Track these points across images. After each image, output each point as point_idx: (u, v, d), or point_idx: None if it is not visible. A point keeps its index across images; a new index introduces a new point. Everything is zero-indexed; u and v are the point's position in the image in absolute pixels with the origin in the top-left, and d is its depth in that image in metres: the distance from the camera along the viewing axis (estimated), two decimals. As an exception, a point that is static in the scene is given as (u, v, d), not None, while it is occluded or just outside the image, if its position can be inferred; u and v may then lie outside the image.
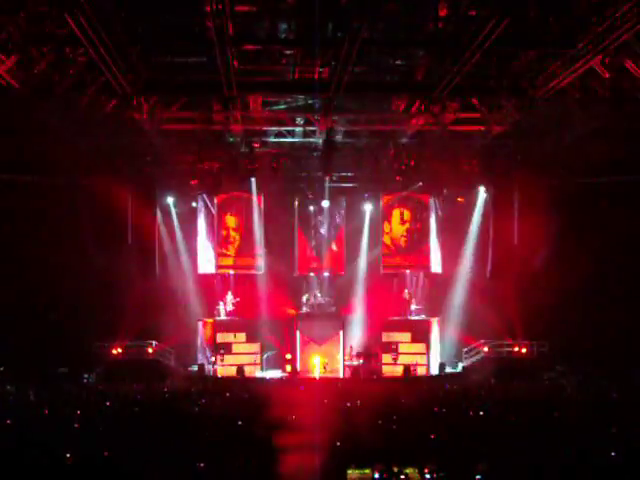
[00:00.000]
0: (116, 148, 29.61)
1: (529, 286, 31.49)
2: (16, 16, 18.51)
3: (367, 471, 14.11)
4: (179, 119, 27.35)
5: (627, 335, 29.73)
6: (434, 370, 33.43)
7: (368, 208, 35.44)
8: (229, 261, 35.09)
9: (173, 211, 34.44)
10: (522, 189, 31.65)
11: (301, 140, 30.34)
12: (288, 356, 33.75)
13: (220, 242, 34.87)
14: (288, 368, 33.42)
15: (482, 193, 33.59)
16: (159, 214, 33.45)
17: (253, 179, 33.08)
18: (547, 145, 29.13)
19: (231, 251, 35.00)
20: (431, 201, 34.96)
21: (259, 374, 33.49)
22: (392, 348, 33.65)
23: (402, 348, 33.82)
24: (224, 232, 34.95)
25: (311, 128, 29.01)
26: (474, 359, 32.68)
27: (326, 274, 35.70)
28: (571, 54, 20.10)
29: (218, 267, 34.99)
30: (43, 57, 20.91)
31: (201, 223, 34.87)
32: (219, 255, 34.87)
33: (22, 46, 20.01)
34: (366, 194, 35.30)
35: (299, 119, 28.54)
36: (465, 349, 33.34)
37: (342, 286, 35.78)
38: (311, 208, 35.40)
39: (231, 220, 34.96)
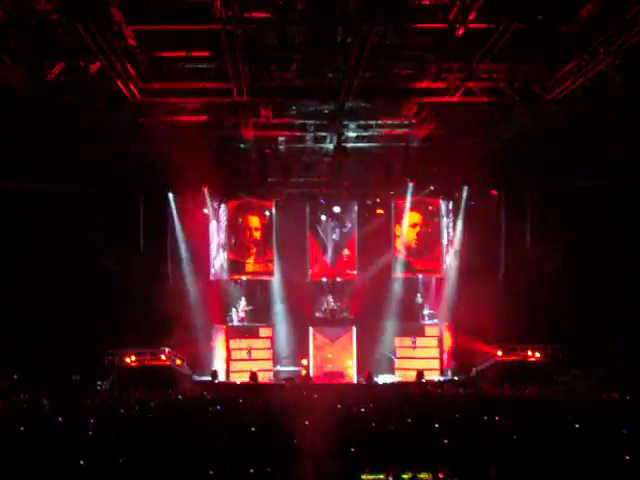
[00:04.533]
0: (127, 155, 29.62)
1: (542, 289, 31.36)
2: (26, 24, 18.57)
3: (381, 476, 14.10)
4: (190, 126, 27.38)
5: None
6: (447, 375, 33.43)
7: (380, 213, 35.38)
8: (241, 267, 35.11)
9: (185, 218, 34.46)
10: (534, 192, 31.53)
11: (312, 146, 30.31)
12: (304, 362, 33.83)
13: (232, 248, 34.92)
14: (303, 372, 33.48)
15: (494, 197, 33.57)
16: (171, 220, 33.46)
17: (265, 185, 33.13)
18: (558, 148, 29.02)
19: (242, 257, 35.04)
20: (443, 206, 34.98)
21: (272, 380, 33.50)
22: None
23: (415, 353, 33.85)
24: (235, 238, 35.01)
25: (322, 134, 29.00)
26: (487, 363, 32.55)
27: (338, 279, 35.69)
28: (581, 57, 20.04)
29: (231, 273, 35.03)
30: (53, 65, 21.00)
31: (213, 229, 34.92)
32: (232, 261, 34.91)
33: (32, 54, 20.10)
34: (378, 199, 35.31)
35: (310, 125, 28.53)
36: (478, 353, 33.23)
37: (355, 291, 35.77)
38: (322, 214, 35.39)
39: (243, 226, 35.02)
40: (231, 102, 24.15)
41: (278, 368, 34.27)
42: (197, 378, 32.98)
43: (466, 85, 22.22)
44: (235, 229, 35.02)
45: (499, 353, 32.09)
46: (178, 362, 32.08)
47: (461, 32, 19.32)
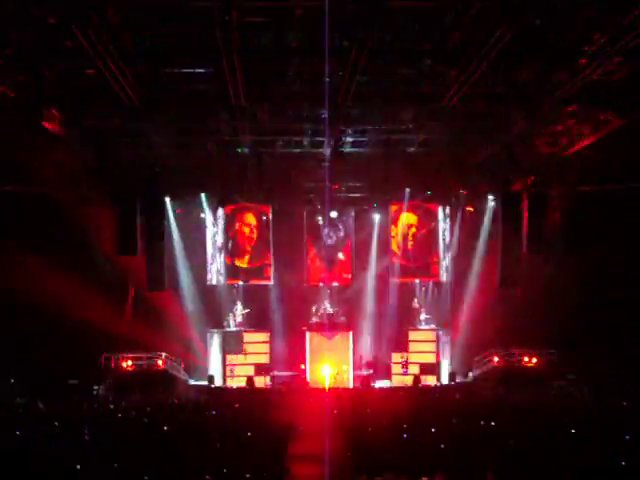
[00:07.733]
0: (125, 159, 29.60)
1: (539, 294, 31.37)
2: (24, 29, 18.56)
3: (377, 481, 14.11)
4: (187, 130, 27.37)
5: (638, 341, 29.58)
6: (444, 380, 33.43)
7: (377, 217, 35.52)
8: (238, 272, 35.10)
9: (182, 222, 34.47)
10: (530, 197, 31.49)
11: (309, 150, 30.27)
12: (302, 366, 33.83)
13: (228, 253, 34.91)
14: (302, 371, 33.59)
15: (490, 202, 33.61)
16: (168, 224, 33.42)
17: (262, 190, 33.12)
18: (555, 153, 29.02)
19: (240, 262, 35.05)
20: (440, 210, 35.02)
21: (269, 385, 33.46)
22: (402, 363, 33.72)
23: (412, 358, 33.90)
24: (232, 243, 35.01)
25: (319, 138, 28.97)
26: (484, 369, 32.58)
27: (335, 284, 35.70)
28: (578, 63, 20.05)
29: (228, 278, 35.00)
30: (51, 70, 20.98)
31: (210, 234, 34.92)
32: (229, 266, 34.89)
33: (30, 59, 20.08)
34: (375, 204, 35.34)
35: (307, 129, 28.50)
36: (475, 359, 33.23)
37: (351, 296, 35.79)
38: (319, 218, 35.41)
39: (240, 231, 35.02)
40: (228, 106, 24.13)
41: (275, 373, 34.20)
42: (194, 383, 32.97)
43: (463, 90, 22.18)
44: (232, 233, 35.03)
45: (495, 358, 32.11)
46: (174, 366, 32.08)
47: (457, 37, 19.38)
